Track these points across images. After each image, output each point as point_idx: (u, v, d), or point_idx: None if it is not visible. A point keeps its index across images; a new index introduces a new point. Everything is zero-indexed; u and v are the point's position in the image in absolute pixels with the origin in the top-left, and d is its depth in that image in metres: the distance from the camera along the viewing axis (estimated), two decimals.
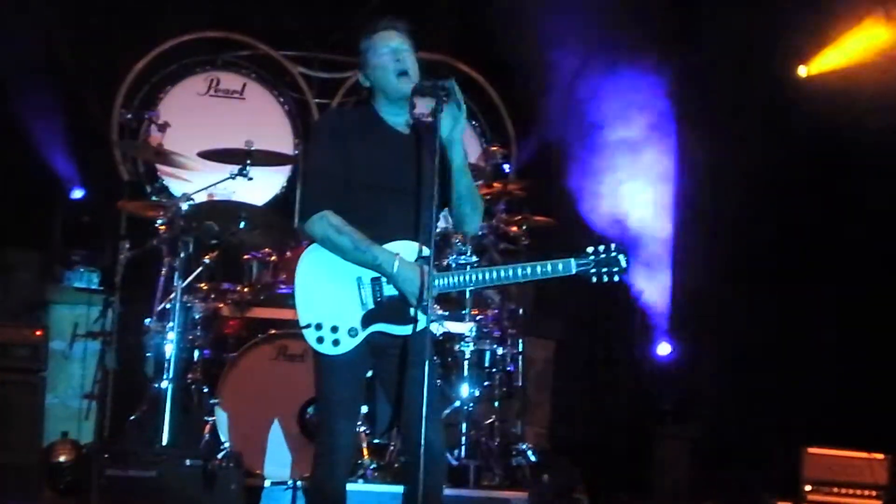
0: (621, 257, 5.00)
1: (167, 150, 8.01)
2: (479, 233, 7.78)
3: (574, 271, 5.00)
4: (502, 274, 5.04)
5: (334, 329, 4.95)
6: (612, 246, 5.01)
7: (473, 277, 5.09)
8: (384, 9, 9.20)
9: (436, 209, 4.98)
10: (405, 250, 5.00)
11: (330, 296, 4.98)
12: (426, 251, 4.94)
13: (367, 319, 4.97)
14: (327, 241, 4.96)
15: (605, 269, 5.00)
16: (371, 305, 4.98)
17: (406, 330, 4.99)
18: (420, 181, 5.04)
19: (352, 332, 4.96)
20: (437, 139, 4.93)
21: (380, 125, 5.14)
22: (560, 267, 4.99)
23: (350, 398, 5.08)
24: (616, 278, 5.01)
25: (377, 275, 4.98)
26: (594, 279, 5.00)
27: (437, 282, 5.00)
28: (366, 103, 5.25)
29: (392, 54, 5.07)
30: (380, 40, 5.11)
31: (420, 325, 4.95)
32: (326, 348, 4.95)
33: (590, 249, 5.01)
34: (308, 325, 4.96)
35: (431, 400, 4.83)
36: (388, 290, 4.99)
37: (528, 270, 5.00)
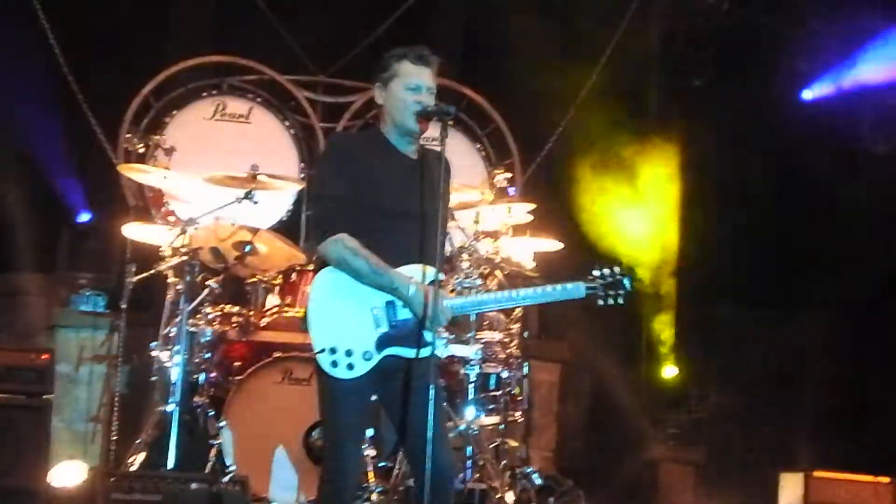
0: (626, 281, 5.05)
1: (173, 177, 8.02)
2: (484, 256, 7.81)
3: (584, 294, 5.06)
4: (515, 296, 5.13)
5: (349, 353, 4.96)
6: (616, 269, 5.07)
7: (488, 299, 5.23)
8: (389, 35, 9.39)
9: (443, 234, 5.02)
10: (414, 274, 5.02)
11: (344, 319, 4.99)
12: (435, 274, 4.96)
13: (382, 343, 4.99)
14: (344, 263, 4.98)
15: (611, 292, 5.05)
16: (386, 329, 5.00)
17: (420, 353, 5.01)
18: (427, 206, 5.07)
19: (366, 356, 4.97)
20: (442, 163, 4.99)
21: (388, 149, 5.17)
22: (570, 289, 5.05)
23: (357, 423, 5.09)
24: (621, 301, 5.06)
25: (391, 298, 5.00)
26: (601, 302, 5.05)
27: (450, 303, 5.05)
28: (373, 125, 5.29)
29: (417, 93, 5.09)
30: (412, 75, 5.11)
31: (434, 348, 4.96)
32: (341, 372, 4.95)
33: (595, 273, 5.07)
34: (322, 350, 4.97)
35: (439, 424, 4.85)
36: (403, 314, 5.01)
37: (540, 292, 5.08)
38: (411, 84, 5.11)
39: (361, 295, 5.01)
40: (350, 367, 4.96)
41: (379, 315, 5.01)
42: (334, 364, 4.96)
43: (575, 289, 5.05)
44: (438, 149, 5.05)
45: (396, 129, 5.15)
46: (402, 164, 5.16)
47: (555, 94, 9.32)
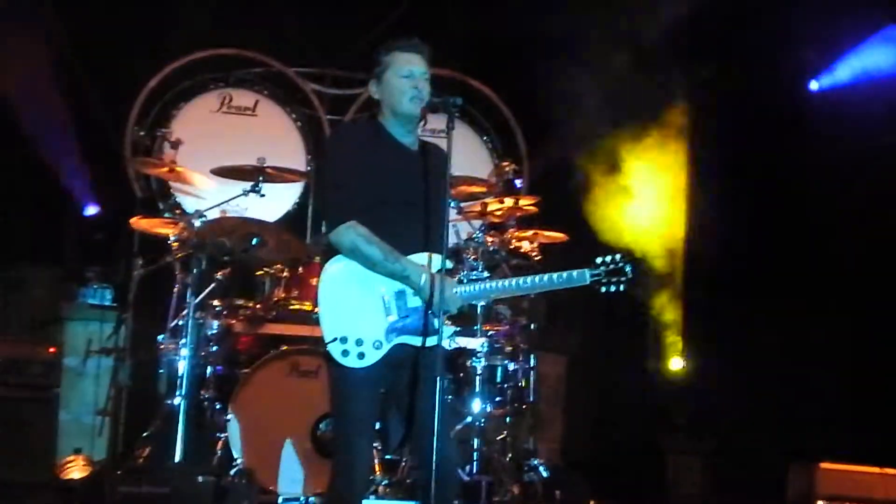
0: (627, 267, 5.06)
1: (180, 170, 8.03)
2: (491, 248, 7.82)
3: (588, 281, 5.05)
4: (521, 283, 5.13)
5: (359, 342, 4.98)
6: (618, 256, 5.07)
7: (494, 286, 5.21)
8: (397, 26, 9.37)
9: (446, 222, 5.02)
10: (420, 263, 5.05)
11: (354, 309, 5.01)
12: (442, 263, 4.94)
13: (391, 332, 5.01)
14: (356, 251, 4.99)
15: (613, 279, 5.06)
16: (395, 317, 5.03)
17: (429, 342, 5.03)
18: (430, 196, 5.09)
19: (376, 345, 4.99)
20: (446, 156, 5.01)
21: (390, 141, 5.19)
22: (575, 276, 5.06)
23: (368, 414, 5.10)
24: (622, 287, 5.06)
25: (401, 287, 5.03)
26: (603, 289, 5.06)
27: (459, 291, 5.06)
28: (374, 118, 5.30)
29: (411, 79, 5.12)
30: (403, 62, 5.14)
31: (443, 336, 4.96)
32: (352, 361, 4.97)
33: (598, 260, 5.08)
34: (334, 339, 4.98)
35: (444, 415, 4.85)
36: (412, 303, 5.04)
37: (546, 280, 5.08)
38: (404, 71, 5.14)
39: (371, 284, 5.03)
40: (361, 356, 4.97)
41: (389, 304, 5.03)
42: (345, 353, 4.97)
43: (580, 276, 5.06)
44: (446, 140, 5.05)
45: (395, 118, 5.18)
46: (404, 155, 5.19)
47: (561, 85, 9.28)
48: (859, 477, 8.35)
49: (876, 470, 8.34)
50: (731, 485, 9.25)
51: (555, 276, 5.08)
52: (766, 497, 8.84)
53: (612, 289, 5.05)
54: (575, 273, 5.06)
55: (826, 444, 8.89)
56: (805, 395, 9.48)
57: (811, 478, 8.35)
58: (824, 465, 8.36)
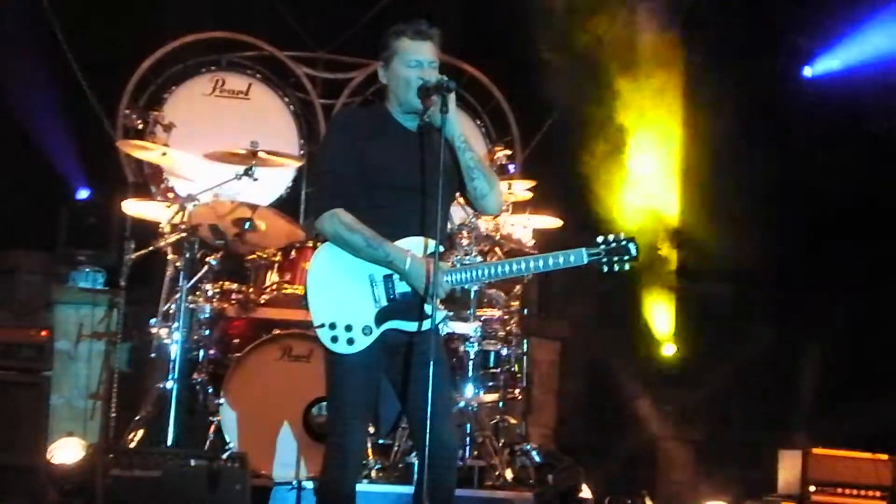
0: (631, 246, 5.00)
1: (172, 153, 8.00)
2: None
3: (585, 261, 4.98)
4: (514, 267, 5.03)
5: (348, 328, 4.94)
6: (622, 235, 5.01)
7: (485, 272, 5.13)
8: (389, 10, 9.35)
9: (445, 208, 4.98)
10: (415, 247, 5.00)
11: (343, 294, 4.98)
12: (436, 246, 4.90)
13: (381, 317, 4.97)
14: (339, 238, 4.96)
15: (615, 258, 4.99)
16: (384, 303, 4.98)
17: (421, 326, 4.98)
18: (428, 179, 5.03)
19: (366, 331, 4.95)
20: (442, 136, 4.93)
21: (391, 124, 5.14)
22: (572, 258, 4.99)
23: (361, 399, 5.04)
24: (627, 266, 4.99)
25: (389, 272, 4.98)
26: (605, 268, 4.99)
27: (449, 277, 4.99)
28: (377, 101, 5.27)
29: (419, 69, 5.03)
30: (412, 51, 5.05)
31: (435, 321, 4.91)
32: (341, 347, 4.94)
33: (600, 239, 5.01)
34: (322, 325, 4.95)
35: (443, 398, 4.83)
36: (401, 287, 4.99)
37: (540, 262, 5.02)
38: (411, 61, 5.05)
39: (360, 269, 4.99)
40: (350, 342, 4.94)
41: (377, 289, 5.00)
42: (334, 339, 4.94)
43: (577, 256, 4.99)
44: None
45: (401, 106, 5.11)
46: (405, 139, 5.12)
47: (555, 69, 9.27)
48: (850, 463, 8.37)
49: (867, 455, 8.35)
50: (721, 471, 9.26)
51: (549, 258, 5.00)
52: (756, 483, 8.85)
53: (617, 268, 4.99)
54: (572, 254, 4.99)
55: (817, 430, 8.91)
56: (796, 381, 9.50)
57: (802, 464, 8.37)
58: (816, 450, 8.38)
